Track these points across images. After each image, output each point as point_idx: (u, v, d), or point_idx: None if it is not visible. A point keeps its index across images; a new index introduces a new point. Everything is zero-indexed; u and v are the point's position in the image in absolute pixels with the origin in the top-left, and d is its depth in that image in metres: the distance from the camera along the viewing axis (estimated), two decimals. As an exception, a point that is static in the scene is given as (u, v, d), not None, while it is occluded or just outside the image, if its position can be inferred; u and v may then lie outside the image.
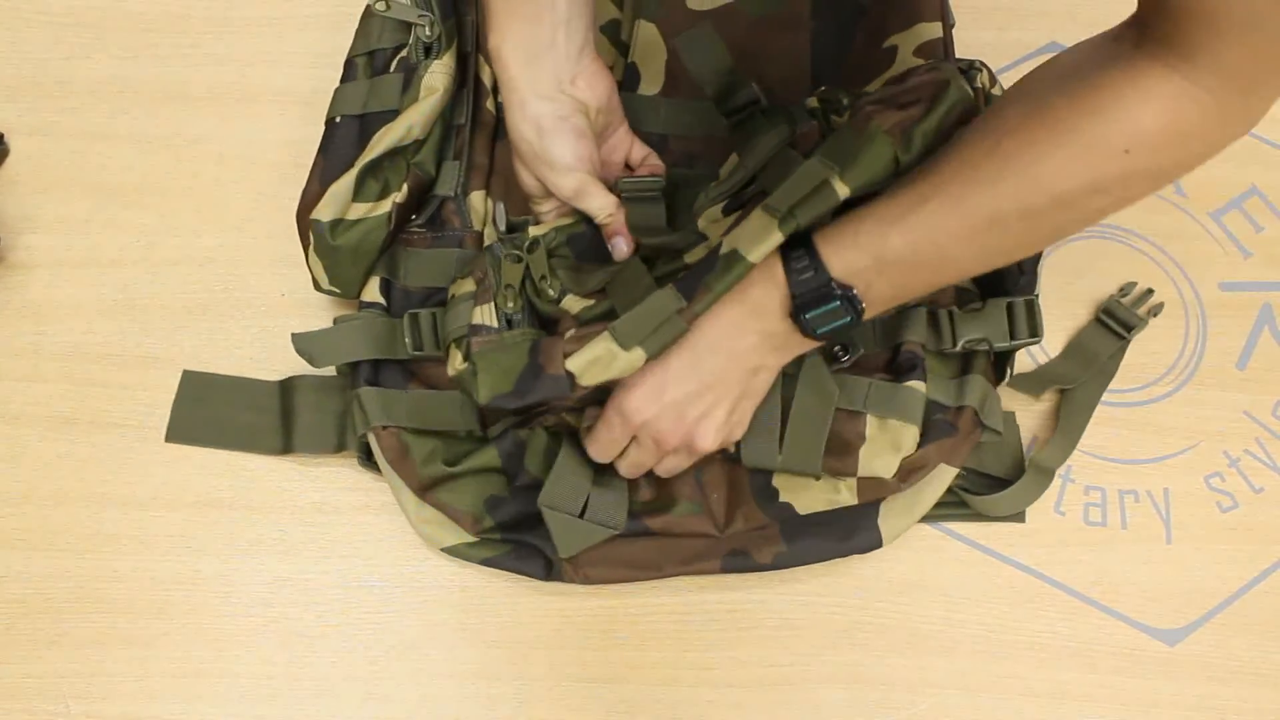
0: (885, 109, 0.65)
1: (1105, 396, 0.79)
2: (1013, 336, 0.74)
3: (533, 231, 0.73)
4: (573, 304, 0.70)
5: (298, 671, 0.72)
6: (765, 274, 0.64)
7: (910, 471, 0.71)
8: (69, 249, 0.83)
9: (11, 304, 0.81)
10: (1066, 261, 0.84)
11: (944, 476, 0.73)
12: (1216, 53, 0.53)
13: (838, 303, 0.63)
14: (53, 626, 0.73)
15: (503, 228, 0.74)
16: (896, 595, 0.75)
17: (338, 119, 0.78)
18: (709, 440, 0.67)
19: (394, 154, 0.75)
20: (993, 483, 0.77)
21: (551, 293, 0.71)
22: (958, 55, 0.80)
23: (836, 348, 0.72)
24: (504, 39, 0.69)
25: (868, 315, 0.64)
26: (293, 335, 0.74)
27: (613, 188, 0.73)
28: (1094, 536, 0.76)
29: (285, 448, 0.76)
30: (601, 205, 0.71)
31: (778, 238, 0.63)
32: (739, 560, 0.72)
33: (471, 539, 0.72)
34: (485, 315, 0.69)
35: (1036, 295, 0.75)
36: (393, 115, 0.76)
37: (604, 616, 0.74)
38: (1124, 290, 0.82)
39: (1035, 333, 0.74)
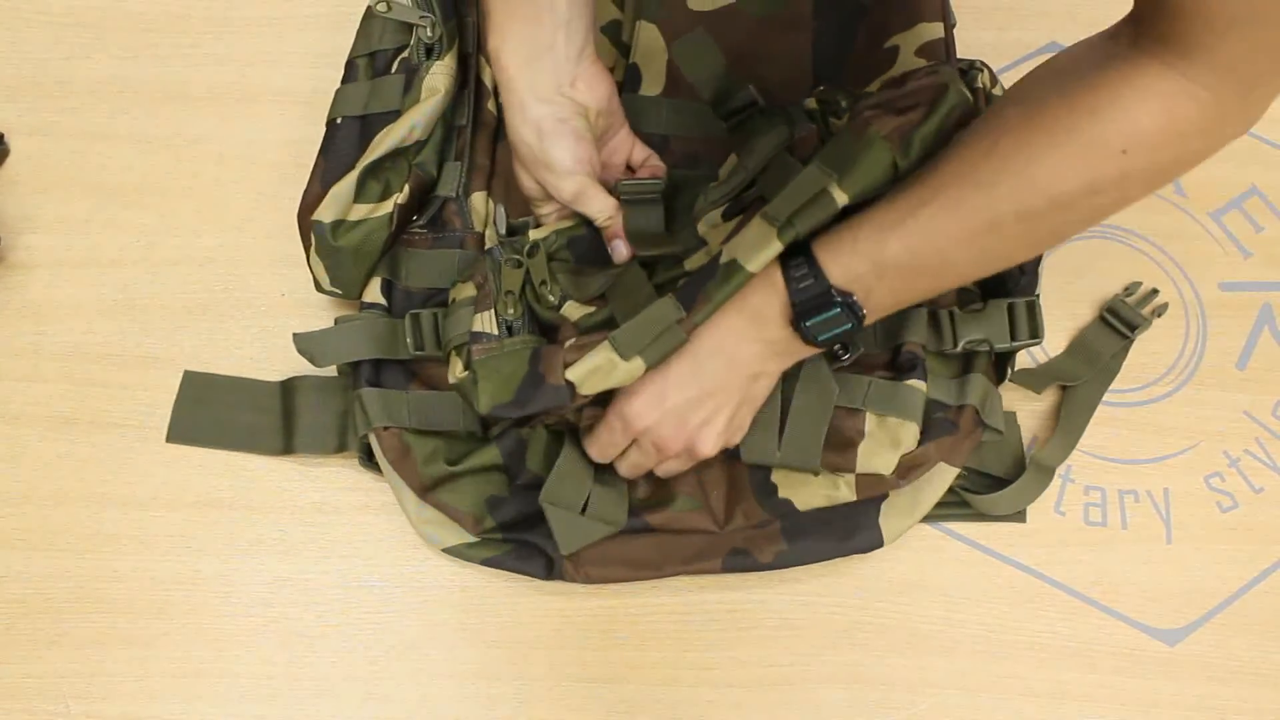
0: (883, 114, 0.64)
1: (1105, 396, 0.79)
2: (1013, 337, 0.74)
3: (533, 235, 0.73)
4: (573, 311, 0.70)
5: (298, 671, 0.72)
6: (765, 282, 0.64)
7: (910, 469, 0.71)
8: (69, 249, 0.83)
9: (11, 304, 0.81)
10: (1067, 261, 0.84)
11: (945, 476, 0.73)
12: (1215, 49, 0.52)
13: (838, 310, 0.62)
14: (53, 626, 0.73)
15: (503, 230, 0.74)
16: (896, 595, 0.75)
17: (339, 120, 0.78)
18: (709, 446, 0.67)
19: (395, 155, 0.75)
20: (993, 482, 0.77)
21: (552, 299, 0.71)
22: (958, 55, 0.80)
23: (837, 347, 0.72)
24: (504, 41, 0.69)
25: (869, 321, 0.64)
26: (294, 335, 0.74)
27: (612, 190, 0.73)
28: (1094, 536, 0.76)
29: (286, 448, 0.76)
30: (601, 208, 0.71)
31: (777, 247, 0.63)
32: (740, 560, 0.72)
33: (472, 539, 0.72)
34: (485, 322, 0.69)
35: (1037, 296, 0.75)
36: (394, 116, 0.76)
37: (604, 616, 0.74)
38: (1129, 290, 0.82)
39: (1036, 333, 0.74)
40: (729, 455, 0.72)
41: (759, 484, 0.73)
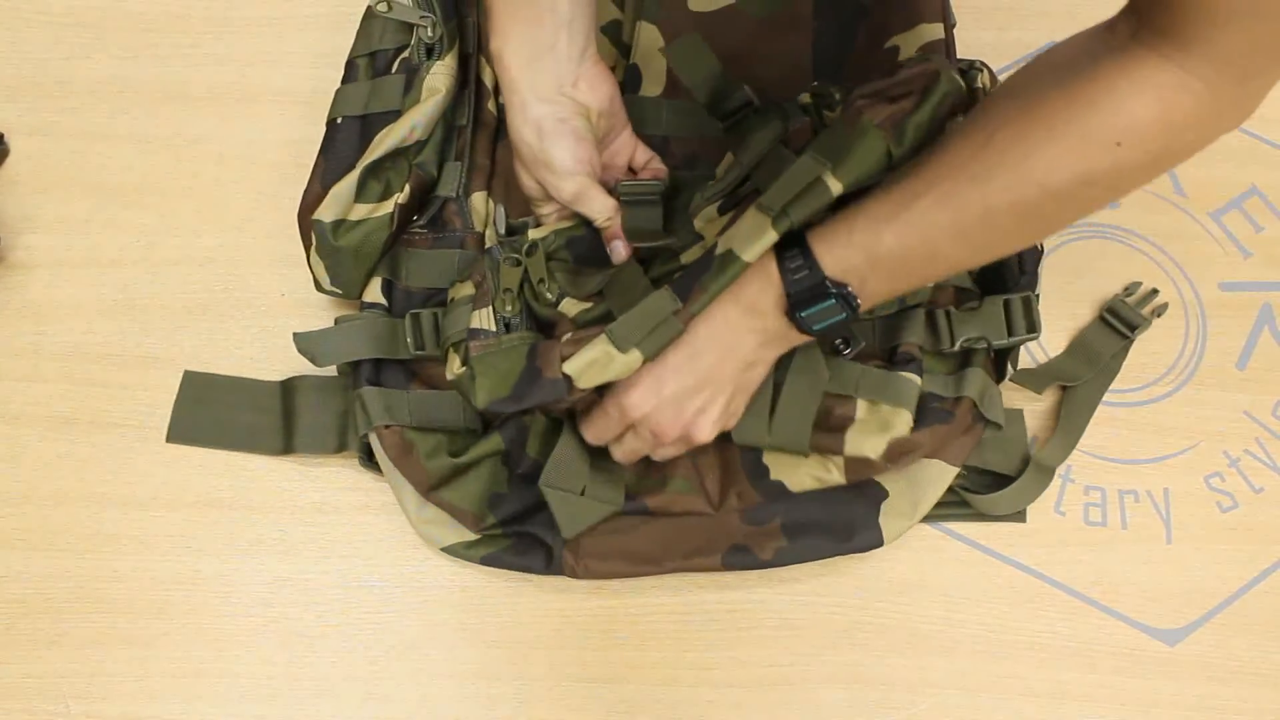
0: (876, 102, 0.65)
1: (1105, 396, 0.79)
2: (1010, 333, 0.74)
3: (531, 235, 0.73)
4: (570, 307, 0.70)
5: (298, 671, 0.72)
6: (760, 273, 0.64)
7: (900, 454, 0.70)
8: (69, 249, 0.83)
9: (11, 304, 0.81)
10: (1067, 261, 0.84)
11: (945, 476, 0.73)
12: (1213, 41, 0.53)
13: (833, 300, 0.63)
14: (53, 626, 0.73)
15: (502, 230, 0.74)
16: (896, 595, 0.75)
17: (339, 120, 0.78)
18: (706, 432, 0.68)
19: (396, 155, 0.75)
20: (994, 481, 0.77)
21: (549, 296, 0.71)
22: (959, 55, 0.80)
23: (838, 341, 0.72)
24: (505, 41, 0.69)
25: (863, 309, 0.64)
26: (295, 335, 0.74)
27: (612, 191, 0.73)
28: (1094, 536, 0.76)
29: (286, 448, 0.76)
30: (600, 208, 0.71)
31: (772, 236, 0.63)
32: (740, 557, 0.72)
33: (472, 538, 0.72)
34: (483, 319, 0.69)
35: (1037, 295, 0.75)
36: (394, 116, 0.76)
37: (604, 616, 0.74)
38: (1129, 290, 0.82)
39: (1033, 328, 0.74)
40: (722, 438, 0.72)
41: (751, 466, 0.73)
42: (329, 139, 0.78)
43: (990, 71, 0.73)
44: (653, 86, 0.80)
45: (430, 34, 0.77)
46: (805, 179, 0.63)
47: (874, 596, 0.74)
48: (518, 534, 0.72)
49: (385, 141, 0.74)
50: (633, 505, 0.72)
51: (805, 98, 0.73)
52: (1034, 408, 0.79)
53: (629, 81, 0.80)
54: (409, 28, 0.78)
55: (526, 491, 0.72)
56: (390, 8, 0.78)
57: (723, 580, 0.74)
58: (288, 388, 0.77)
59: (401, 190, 0.75)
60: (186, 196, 0.84)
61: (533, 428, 0.73)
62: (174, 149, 0.86)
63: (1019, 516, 0.76)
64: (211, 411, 0.78)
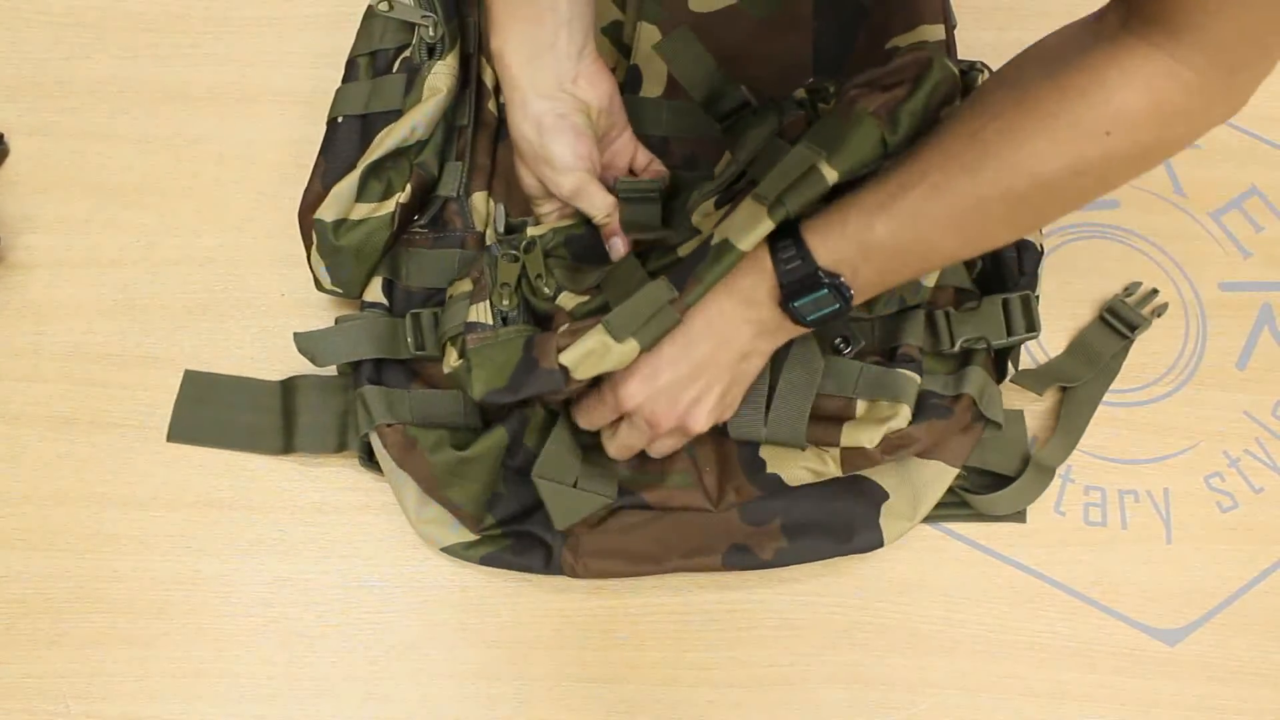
0: (870, 91, 0.65)
1: (1105, 396, 0.79)
2: (1010, 332, 0.74)
3: (530, 232, 0.73)
4: (567, 300, 0.70)
5: (298, 671, 0.72)
6: (753, 264, 0.64)
7: (895, 446, 0.70)
8: (69, 249, 0.83)
9: (11, 304, 0.81)
10: (1067, 261, 0.84)
11: (945, 477, 0.73)
12: (1204, 29, 0.53)
13: (825, 290, 0.63)
14: (53, 626, 0.73)
15: (502, 229, 0.74)
16: (896, 595, 0.75)
17: (339, 119, 0.78)
18: (701, 423, 0.68)
19: (397, 154, 0.75)
20: (994, 481, 0.77)
21: (547, 291, 0.71)
22: (959, 56, 0.80)
23: (838, 340, 0.72)
24: (506, 39, 0.69)
25: (856, 301, 0.64)
26: (295, 335, 0.74)
27: (611, 189, 0.73)
28: (1094, 536, 0.76)
29: (286, 448, 0.76)
30: (600, 205, 0.71)
31: (768, 225, 0.63)
32: (740, 556, 0.72)
33: (471, 538, 0.72)
34: (480, 313, 0.69)
35: (1037, 295, 0.75)
36: (395, 116, 0.76)
37: (604, 616, 0.74)
38: (1129, 290, 0.82)
39: (1032, 327, 0.74)
40: (719, 433, 0.73)
41: (748, 460, 0.73)
42: (329, 138, 0.78)
43: (991, 72, 0.73)
44: (653, 87, 0.80)
45: (432, 34, 0.77)
46: (800, 167, 0.63)
47: (874, 596, 0.74)
48: (516, 534, 0.72)
49: (386, 141, 0.74)
50: (631, 500, 0.72)
51: (800, 93, 0.73)
52: (1034, 408, 0.79)
53: (629, 82, 0.80)
54: (410, 27, 0.78)
55: (524, 490, 0.72)
56: (391, 7, 0.78)
57: (723, 580, 0.74)
58: (288, 387, 0.77)
59: (403, 190, 0.75)
60: (186, 196, 0.84)
61: (531, 420, 0.73)
62: (174, 149, 0.86)
63: (1019, 517, 0.76)
64: (212, 411, 0.78)
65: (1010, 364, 0.76)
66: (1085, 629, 0.74)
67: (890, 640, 0.74)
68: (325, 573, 0.75)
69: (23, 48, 0.89)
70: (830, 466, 0.72)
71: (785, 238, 0.63)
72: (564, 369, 0.66)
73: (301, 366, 0.75)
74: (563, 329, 0.68)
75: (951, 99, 0.65)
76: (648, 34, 0.79)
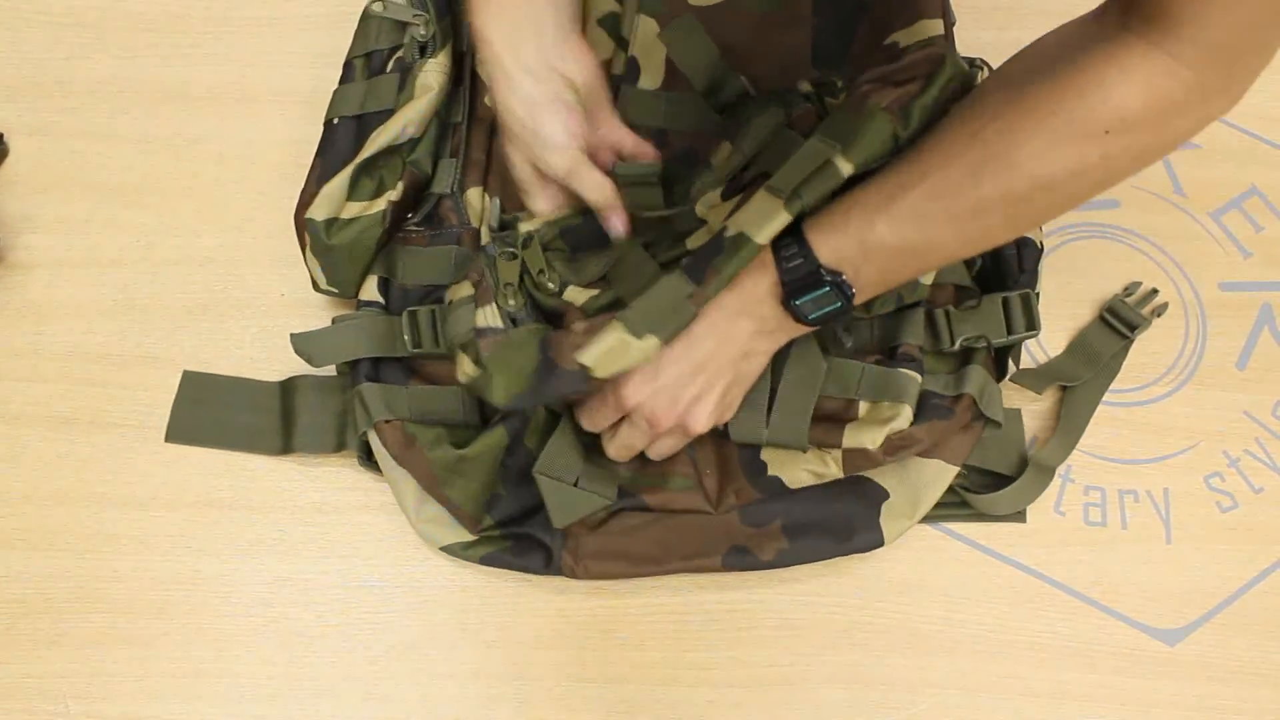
0: (883, 86, 0.65)
1: (1105, 396, 0.79)
2: (1010, 331, 0.74)
3: (523, 227, 0.72)
4: (576, 295, 0.70)
5: (298, 671, 0.72)
6: (756, 262, 0.64)
7: (897, 447, 0.70)
8: (69, 249, 0.83)
9: (11, 304, 0.81)
10: (1067, 261, 0.84)
11: (945, 476, 0.73)
12: (1204, 27, 0.53)
13: (827, 288, 0.63)
14: (53, 626, 0.73)
15: (495, 224, 0.74)
16: (896, 595, 0.75)
17: (335, 120, 0.78)
18: (701, 422, 0.67)
19: (389, 152, 0.75)
20: (994, 480, 0.77)
21: (551, 286, 0.70)
22: (959, 54, 0.80)
23: (841, 332, 0.71)
24: (489, 19, 0.68)
25: (858, 300, 0.64)
26: (291, 336, 0.74)
27: (609, 173, 0.72)
28: (1094, 536, 0.76)
29: (285, 448, 0.76)
30: (596, 183, 0.69)
31: (784, 218, 0.63)
32: (741, 558, 0.72)
33: (470, 538, 0.72)
34: (489, 317, 0.69)
35: (1037, 293, 0.75)
36: (389, 115, 0.76)
37: (604, 616, 0.74)
38: (1129, 290, 0.82)
39: (1032, 325, 0.74)
40: (720, 435, 0.73)
41: (749, 463, 0.73)
42: (326, 139, 0.78)
43: (990, 69, 0.73)
44: (651, 79, 0.80)
45: (423, 32, 0.77)
46: (815, 161, 0.64)
47: (874, 596, 0.74)
48: (516, 535, 0.72)
49: (378, 140, 0.75)
50: (632, 501, 0.72)
51: (805, 86, 0.73)
52: (1034, 408, 0.79)
53: (628, 74, 0.80)
54: (404, 27, 0.78)
55: (523, 491, 0.71)
56: (385, 7, 0.78)
57: (723, 580, 0.74)
58: (287, 388, 0.77)
59: (395, 188, 0.75)
60: (186, 196, 0.84)
61: (531, 421, 0.73)
62: (174, 149, 0.86)
63: (1019, 517, 0.76)
64: (210, 411, 0.78)
65: (1010, 362, 0.76)
66: (1085, 629, 0.74)
67: (890, 640, 0.73)
68: (325, 573, 0.75)
69: (23, 48, 0.89)
70: (832, 468, 0.72)
71: (787, 235, 0.64)
72: (584, 368, 0.65)
73: (301, 367, 0.76)
74: (578, 327, 0.67)
75: (960, 95, 0.65)
76: (647, 26, 0.79)
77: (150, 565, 0.75)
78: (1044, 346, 0.81)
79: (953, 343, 0.74)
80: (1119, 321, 0.81)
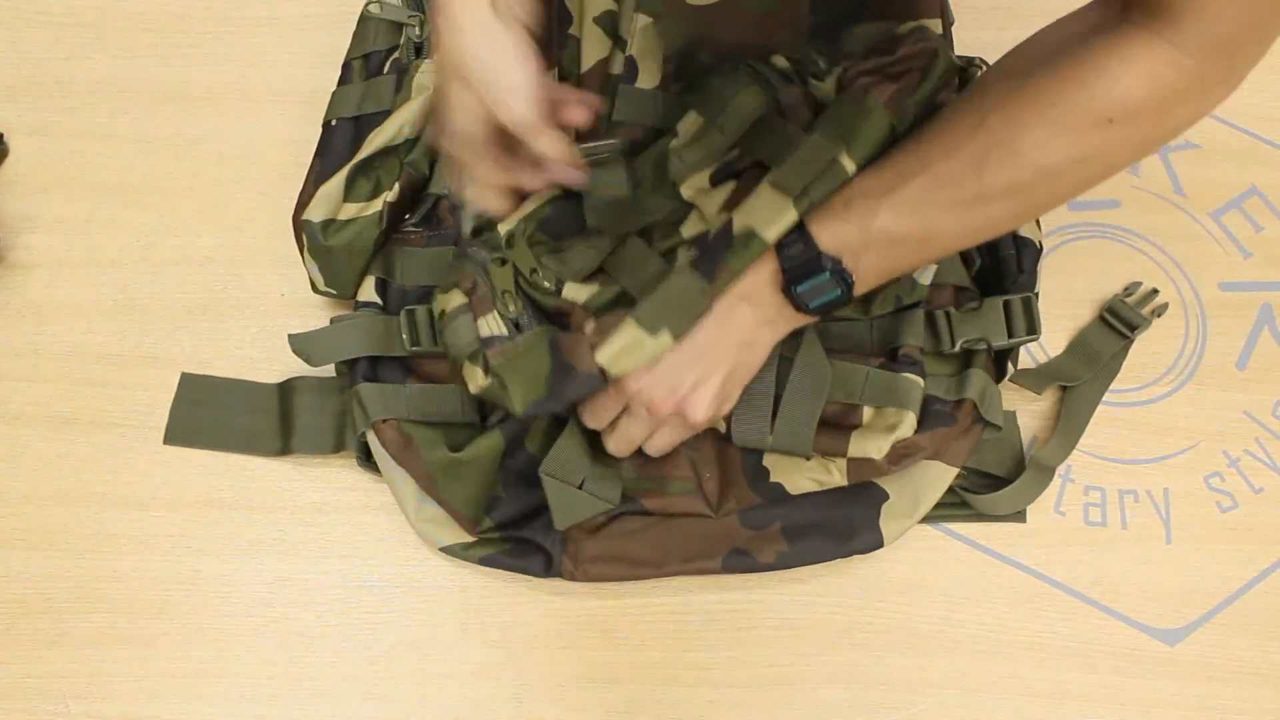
0: (880, 81, 0.66)
1: (1105, 396, 0.79)
2: (1010, 334, 0.74)
3: (502, 227, 0.71)
4: (577, 293, 0.69)
5: (298, 671, 0.72)
6: None
7: (902, 456, 0.70)
8: (69, 249, 0.83)
9: (11, 304, 0.81)
10: (1067, 261, 0.84)
11: (945, 477, 0.73)
12: (1204, 18, 0.54)
13: (827, 275, 0.63)
14: (53, 626, 0.73)
15: (467, 232, 0.72)
16: (896, 595, 0.74)
17: (333, 122, 0.78)
18: (700, 411, 0.67)
19: (386, 153, 0.75)
20: (993, 482, 0.77)
21: (547, 284, 0.70)
22: (957, 53, 0.80)
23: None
24: None
25: (859, 289, 0.65)
26: (289, 336, 0.74)
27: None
28: (1094, 536, 0.76)
29: (284, 449, 0.76)
30: (555, 137, 0.64)
31: (792, 215, 0.64)
32: (740, 560, 0.72)
33: (470, 539, 0.72)
34: (492, 325, 0.68)
35: (1036, 294, 0.75)
36: (387, 116, 0.76)
37: (604, 616, 0.74)
38: (1129, 290, 0.82)
39: (1033, 329, 0.74)
40: (721, 439, 0.73)
41: (750, 468, 0.73)
42: (324, 141, 0.78)
43: (989, 67, 0.73)
44: (649, 79, 0.80)
45: (419, 33, 0.78)
46: (822, 159, 0.64)
47: (874, 596, 0.74)
48: (515, 539, 0.72)
49: (375, 141, 0.75)
50: (631, 505, 0.72)
51: (781, 61, 0.73)
52: (1033, 408, 0.79)
53: (626, 74, 0.80)
54: (400, 28, 0.78)
55: (524, 493, 0.71)
56: (381, 8, 0.78)
57: (723, 580, 0.74)
58: (285, 389, 0.77)
59: (391, 189, 0.75)
60: (186, 196, 0.85)
61: (534, 424, 0.73)
62: (174, 149, 0.86)
63: (1019, 517, 0.76)
64: (209, 413, 0.78)
65: (1009, 363, 0.76)
66: (1085, 629, 0.74)
67: (890, 640, 0.73)
68: (325, 573, 0.75)
69: (23, 48, 0.89)
70: (835, 476, 0.71)
71: None
72: (602, 370, 0.65)
73: (301, 367, 0.75)
74: (589, 327, 0.67)
75: (950, 87, 0.67)
76: (644, 26, 0.79)
77: (150, 565, 0.75)
78: (1044, 347, 0.81)
79: (953, 344, 0.74)
80: (1119, 321, 0.81)
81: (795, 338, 0.72)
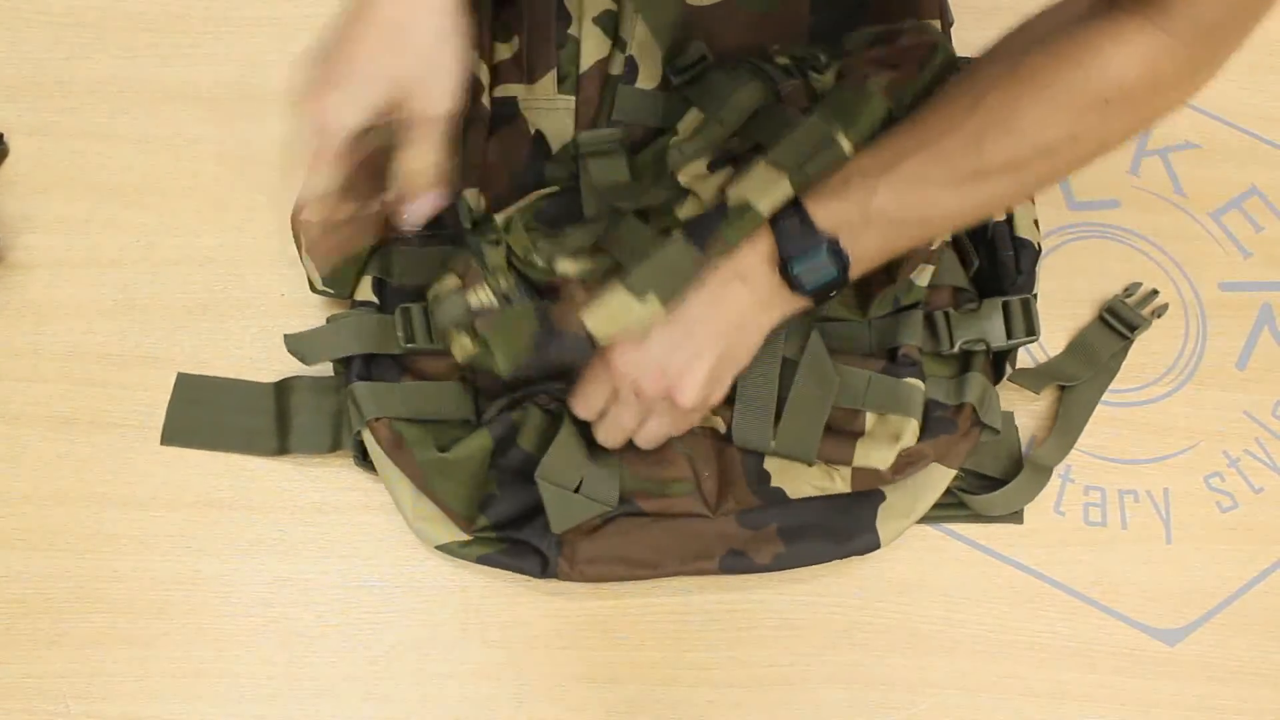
0: (879, 69, 0.67)
1: (1105, 396, 0.79)
2: (1009, 336, 0.74)
3: (500, 216, 0.72)
4: (569, 266, 0.69)
5: (298, 671, 0.72)
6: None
7: (905, 465, 0.71)
8: (69, 249, 0.83)
9: (11, 304, 0.81)
10: (1066, 261, 0.84)
11: (942, 478, 0.73)
12: (1195, 4, 0.56)
13: (824, 254, 0.63)
14: (53, 626, 0.73)
15: (467, 225, 0.73)
16: (896, 595, 0.74)
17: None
18: (689, 394, 0.66)
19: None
20: (990, 483, 0.76)
21: (539, 262, 0.69)
22: (957, 54, 0.80)
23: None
24: None
25: (855, 270, 0.65)
26: (285, 336, 0.74)
27: (574, 143, 0.72)
28: (1094, 536, 0.76)
29: (281, 449, 0.76)
30: (429, 156, 0.61)
31: (787, 189, 0.64)
32: (738, 561, 0.72)
33: (466, 537, 0.72)
34: (482, 298, 0.69)
35: (1035, 295, 0.75)
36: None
37: (604, 616, 0.74)
38: (1129, 290, 0.82)
39: (1032, 331, 0.74)
40: (721, 438, 0.73)
41: (751, 471, 0.73)
42: (324, 140, 0.78)
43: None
44: (649, 80, 0.80)
45: None
46: (818, 137, 0.65)
47: (874, 596, 0.74)
48: (511, 540, 0.72)
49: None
50: (629, 507, 0.72)
51: (782, 59, 0.73)
52: (1031, 408, 0.79)
53: (626, 74, 0.80)
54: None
55: (520, 491, 0.71)
56: None
57: (723, 580, 0.74)
58: (281, 389, 0.77)
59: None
60: (186, 196, 0.84)
61: (527, 422, 0.73)
62: (174, 149, 0.86)
63: (1016, 517, 0.76)
64: (206, 414, 0.78)
65: (1008, 364, 0.76)
66: (1085, 629, 0.74)
67: (890, 640, 0.73)
68: (325, 573, 0.75)
69: (23, 48, 0.89)
70: (838, 484, 0.71)
71: (784, 203, 0.65)
72: (588, 333, 0.65)
73: (300, 367, 0.75)
74: (579, 295, 0.67)
75: (946, 76, 0.68)
76: (644, 26, 0.79)
77: (150, 565, 0.75)
78: (1044, 347, 0.81)
79: (952, 345, 0.74)
80: (1119, 322, 0.81)
81: (798, 340, 0.72)
